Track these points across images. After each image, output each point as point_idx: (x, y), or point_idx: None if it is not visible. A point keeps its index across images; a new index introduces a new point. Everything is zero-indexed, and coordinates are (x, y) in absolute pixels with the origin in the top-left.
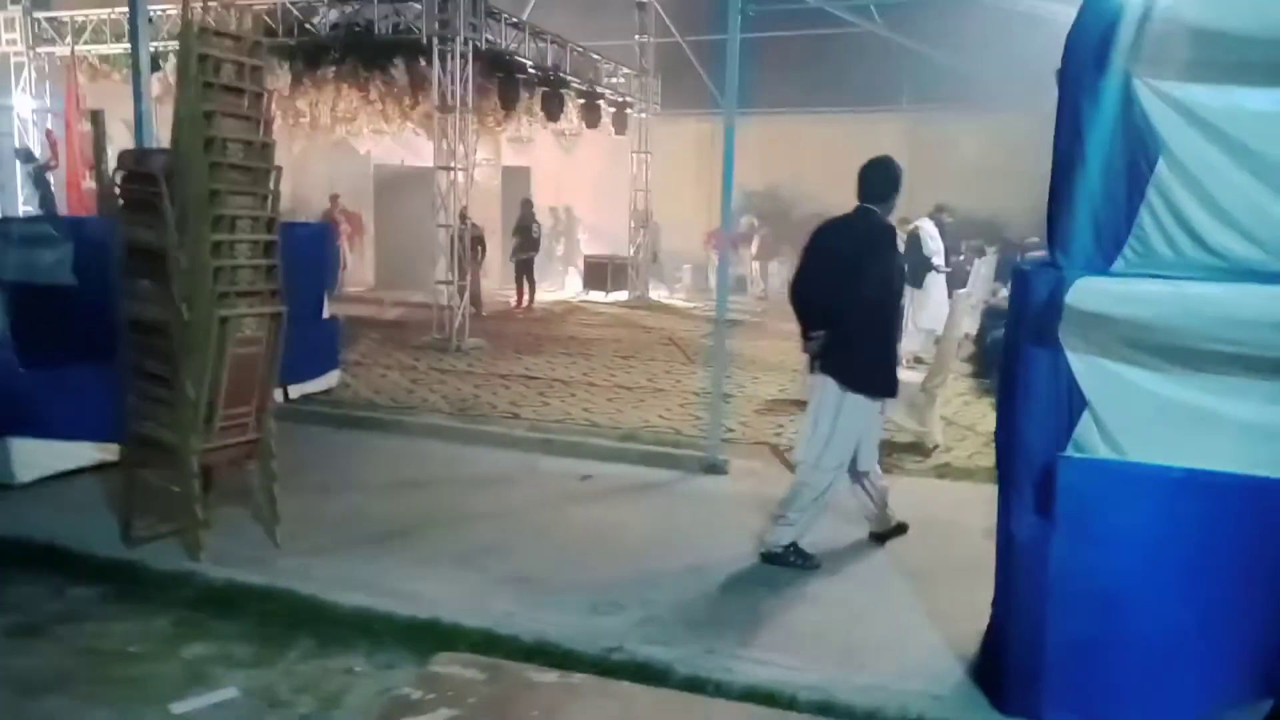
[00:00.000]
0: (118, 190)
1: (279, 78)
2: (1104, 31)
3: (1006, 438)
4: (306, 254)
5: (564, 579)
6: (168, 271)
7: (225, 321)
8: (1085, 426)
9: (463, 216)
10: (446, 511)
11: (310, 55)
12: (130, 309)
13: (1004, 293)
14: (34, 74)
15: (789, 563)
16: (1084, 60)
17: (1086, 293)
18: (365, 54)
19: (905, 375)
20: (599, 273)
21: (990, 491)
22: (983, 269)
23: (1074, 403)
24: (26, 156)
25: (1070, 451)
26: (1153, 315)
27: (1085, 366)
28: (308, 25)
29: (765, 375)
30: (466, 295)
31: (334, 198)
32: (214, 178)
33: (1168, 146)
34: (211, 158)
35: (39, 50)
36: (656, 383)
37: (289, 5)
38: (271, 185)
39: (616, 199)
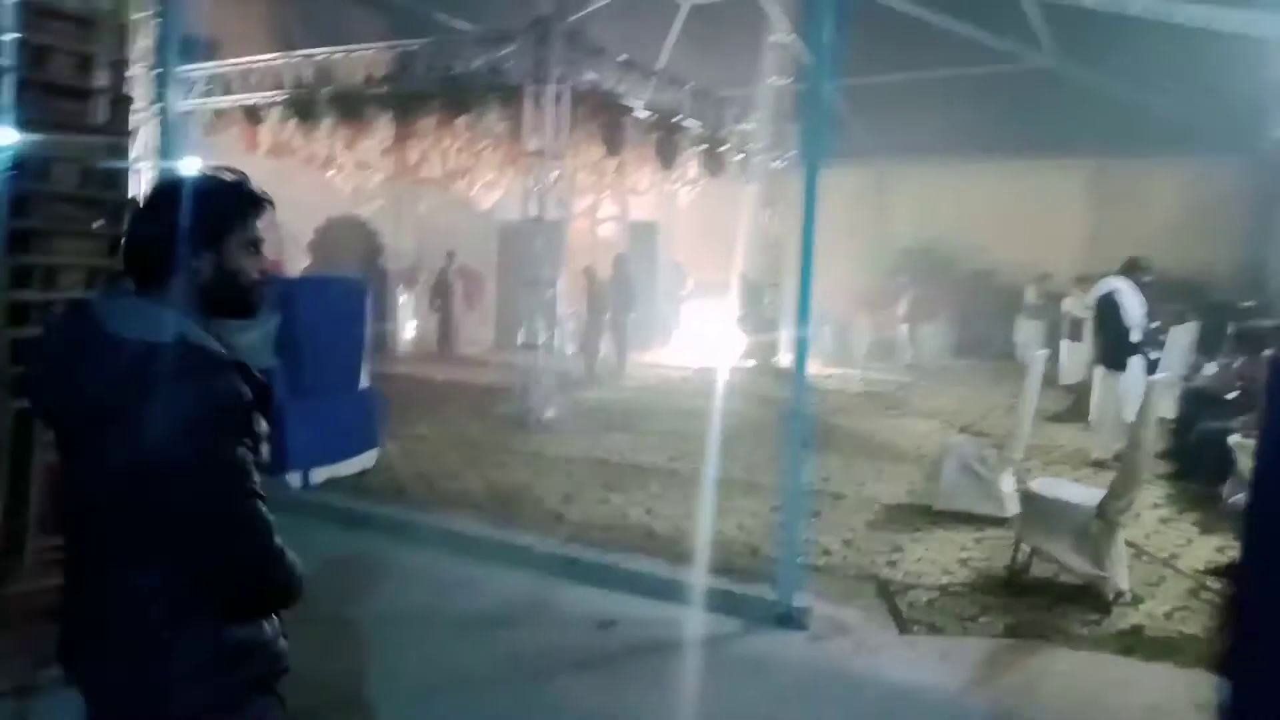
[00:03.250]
0: None
1: (381, 128)
2: None
3: None
4: (338, 314)
5: None
6: None
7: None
8: None
9: (587, 272)
10: (398, 675)
11: (405, 104)
12: None
13: (1209, 369)
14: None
15: None
16: None
17: None
18: (458, 100)
19: (1073, 493)
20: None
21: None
22: (1180, 340)
23: None
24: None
25: None
26: None
27: None
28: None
29: (894, 468)
30: (548, 360)
31: (449, 255)
32: (27, 212)
33: None
34: (22, 185)
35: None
36: (753, 474)
37: (385, 54)
38: (122, 224)
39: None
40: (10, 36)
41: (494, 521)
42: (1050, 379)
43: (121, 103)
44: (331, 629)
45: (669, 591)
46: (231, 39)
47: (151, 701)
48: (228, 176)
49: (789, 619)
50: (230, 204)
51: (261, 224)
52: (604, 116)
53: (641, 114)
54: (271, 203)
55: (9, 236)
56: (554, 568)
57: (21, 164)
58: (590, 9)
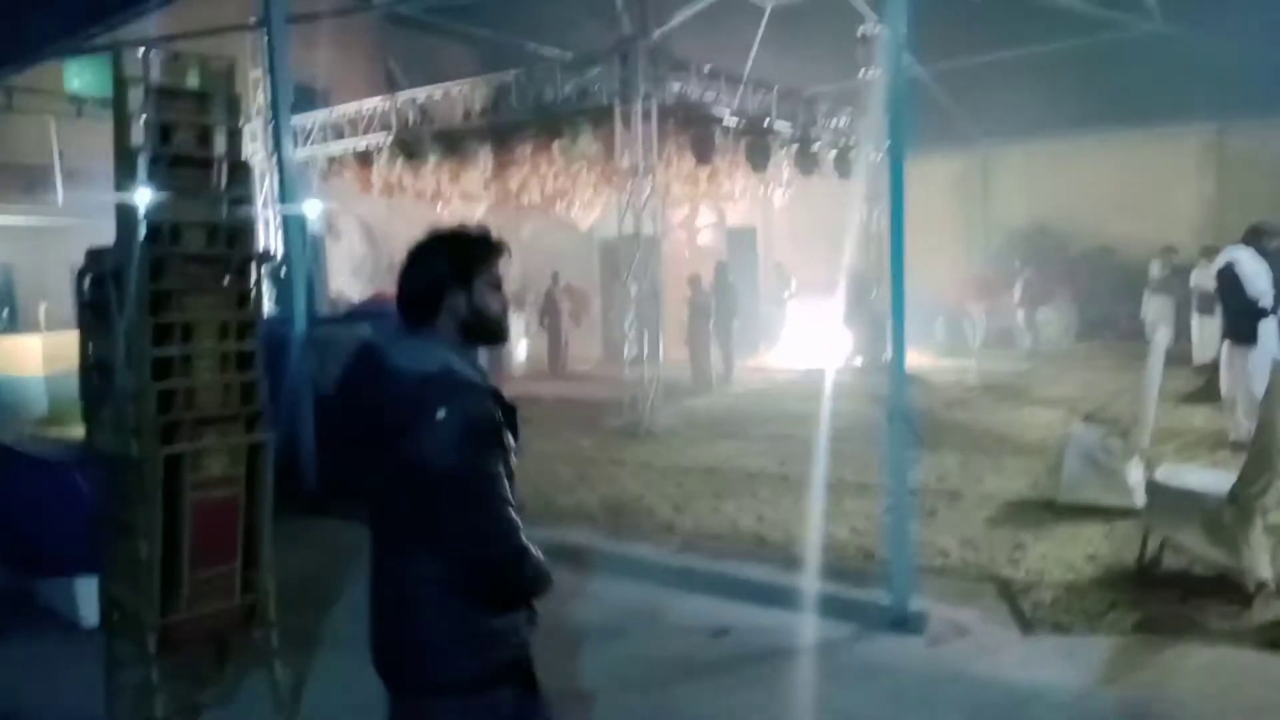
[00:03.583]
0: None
1: (481, 159)
2: None
3: None
4: None
5: None
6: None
7: (179, 459)
8: None
9: (690, 281)
10: None
11: (503, 134)
12: (95, 441)
13: None
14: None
15: None
16: None
17: None
18: (551, 125)
19: (1202, 480)
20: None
21: None
22: None
23: None
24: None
25: None
26: None
27: None
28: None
29: (1014, 462)
30: (657, 371)
31: (554, 275)
32: (161, 275)
33: None
34: (158, 249)
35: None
36: (865, 476)
37: (480, 88)
38: (251, 280)
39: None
40: (143, 118)
41: (607, 533)
42: (1182, 358)
43: (239, 168)
44: None
45: (782, 598)
46: (340, 87)
47: (420, 669)
48: (470, 230)
49: (905, 623)
50: (475, 252)
51: (501, 266)
52: (693, 128)
53: (730, 121)
54: (508, 248)
55: (149, 297)
56: (667, 577)
57: (155, 231)
58: (672, 24)
